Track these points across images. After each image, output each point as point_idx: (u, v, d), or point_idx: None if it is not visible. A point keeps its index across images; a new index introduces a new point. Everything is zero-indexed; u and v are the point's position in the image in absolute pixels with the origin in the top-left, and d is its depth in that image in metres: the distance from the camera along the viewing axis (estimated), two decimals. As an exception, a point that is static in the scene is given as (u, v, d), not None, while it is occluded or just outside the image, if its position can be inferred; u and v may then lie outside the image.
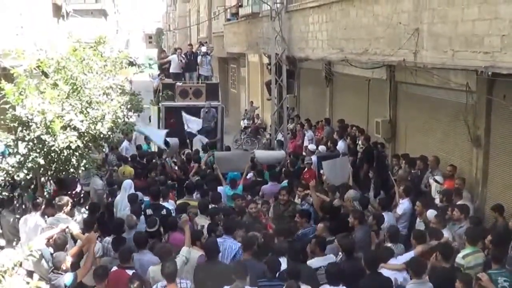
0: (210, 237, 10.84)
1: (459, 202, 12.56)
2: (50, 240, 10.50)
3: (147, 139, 23.38)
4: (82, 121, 12.57)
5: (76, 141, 12.27)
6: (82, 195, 14.81)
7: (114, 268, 9.76)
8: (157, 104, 25.46)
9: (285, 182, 15.82)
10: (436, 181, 13.98)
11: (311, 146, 20.61)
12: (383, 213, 12.29)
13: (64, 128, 12.25)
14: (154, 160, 18.62)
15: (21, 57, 12.96)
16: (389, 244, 10.74)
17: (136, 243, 10.56)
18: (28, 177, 12.99)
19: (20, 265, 10.13)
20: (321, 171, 16.38)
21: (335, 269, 9.05)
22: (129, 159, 19.18)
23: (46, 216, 12.26)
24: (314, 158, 18.47)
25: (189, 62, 26.84)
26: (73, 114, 12.46)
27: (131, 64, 15.26)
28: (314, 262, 9.98)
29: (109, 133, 13.79)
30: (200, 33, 52.21)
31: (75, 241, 11.13)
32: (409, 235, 11.73)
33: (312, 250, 10.30)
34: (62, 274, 9.39)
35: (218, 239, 10.67)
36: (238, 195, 14.09)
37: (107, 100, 13.52)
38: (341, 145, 19.08)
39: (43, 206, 12.50)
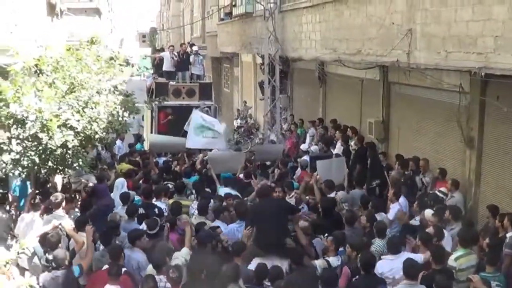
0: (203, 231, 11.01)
1: (450, 203, 12.58)
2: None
3: (141, 139, 23.33)
4: (78, 120, 12.53)
5: (73, 140, 12.27)
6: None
7: (106, 266, 9.73)
8: (150, 105, 25.38)
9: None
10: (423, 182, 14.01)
11: (303, 146, 20.55)
12: (375, 214, 12.25)
13: (60, 127, 12.22)
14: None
15: (18, 55, 12.91)
16: (377, 240, 10.74)
17: (130, 239, 10.61)
18: (22, 175, 12.96)
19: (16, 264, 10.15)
20: (315, 173, 16.22)
21: (331, 274, 9.08)
22: (118, 159, 19.24)
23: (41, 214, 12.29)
24: (306, 158, 18.41)
25: (181, 61, 26.77)
26: (69, 114, 12.43)
27: (126, 63, 15.19)
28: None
29: (104, 133, 13.76)
30: (194, 33, 52.16)
31: (69, 239, 11.08)
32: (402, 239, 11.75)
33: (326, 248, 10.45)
34: (65, 270, 9.40)
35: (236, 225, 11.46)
36: (230, 194, 14.04)
37: (103, 100, 13.47)
38: (339, 147, 19.01)
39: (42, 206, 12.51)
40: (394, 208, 12.89)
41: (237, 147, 22.47)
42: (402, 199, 13.03)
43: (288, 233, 10.99)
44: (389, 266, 9.59)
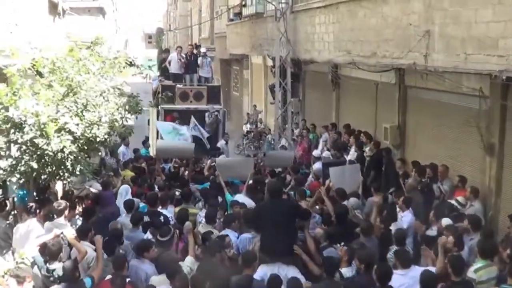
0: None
1: (469, 212, 12.49)
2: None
3: (146, 144, 23.29)
4: (77, 124, 12.51)
5: (70, 146, 12.22)
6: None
7: (109, 276, 9.73)
8: (156, 107, 25.41)
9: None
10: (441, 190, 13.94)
11: (316, 152, 20.45)
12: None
13: (58, 131, 12.19)
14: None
15: (15, 55, 12.92)
16: (395, 248, 10.70)
17: (139, 250, 10.63)
18: (20, 181, 12.95)
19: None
20: (327, 180, 16.06)
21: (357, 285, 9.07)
22: (122, 165, 19.27)
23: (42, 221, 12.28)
24: (318, 165, 18.30)
25: (189, 63, 26.77)
26: (68, 117, 12.41)
27: (130, 64, 15.15)
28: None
29: (106, 136, 13.74)
30: (202, 34, 52.21)
31: (71, 248, 11.05)
32: (415, 250, 11.67)
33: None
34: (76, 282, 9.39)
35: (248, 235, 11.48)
36: (236, 202, 14.02)
37: (103, 102, 13.45)
38: (353, 153, 18.94)
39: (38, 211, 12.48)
40: (406, 217, 12.84)
41: (256, 152, 22.54)
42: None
43: (297, 238, 10.96)
44: (399, 281, 9.46)
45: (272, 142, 28.53)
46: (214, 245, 10.59)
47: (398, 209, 13.30)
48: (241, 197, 14.39)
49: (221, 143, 24.83)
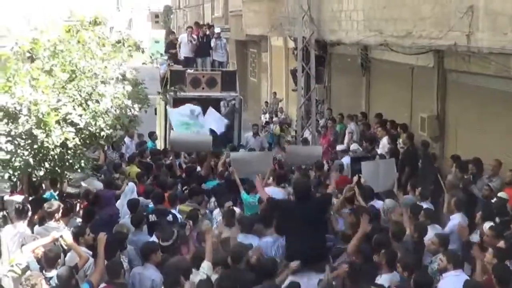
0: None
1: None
2: (38, 253, 10.39)
3: (153, 136, 23.27)
4: (80, 115, 12.44)
5: (74, 138, 12.18)
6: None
7: (103, 284, 9.69)
8: (165, 97, 25.37)
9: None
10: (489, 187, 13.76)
11: (340, 146, 20.35)
12: (428, 226, 12.03)
13: (59, 122, 12.15)
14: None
15: (10, 36, 12.87)
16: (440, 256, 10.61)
17: (143, 254, 10.61)
18: (13, 177, 12.93)
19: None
20: (355, 177, 15.88)
21: None
22: (127, 160, 19.27)
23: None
24: (346, 159, 18.17)
25: (200, 45, 26.69)
26: (70, 107, 12.35)
27: (138, 48, 15.05)
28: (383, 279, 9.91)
29: (111, 130, 13.70)
30: (215, 12, 52.15)
31: (65, 254, 11.00)
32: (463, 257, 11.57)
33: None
34: None
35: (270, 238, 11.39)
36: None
37: (110, 91, 13.37)
38: (385, 145, 18.85)
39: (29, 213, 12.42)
40: (454, 220, 12.66)
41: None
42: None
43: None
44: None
45: (272, 132, 28.60)
46: (239, 250, 10.45)
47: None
48: (271, 191, 14.31)
49: (247, 136, 24.69)
